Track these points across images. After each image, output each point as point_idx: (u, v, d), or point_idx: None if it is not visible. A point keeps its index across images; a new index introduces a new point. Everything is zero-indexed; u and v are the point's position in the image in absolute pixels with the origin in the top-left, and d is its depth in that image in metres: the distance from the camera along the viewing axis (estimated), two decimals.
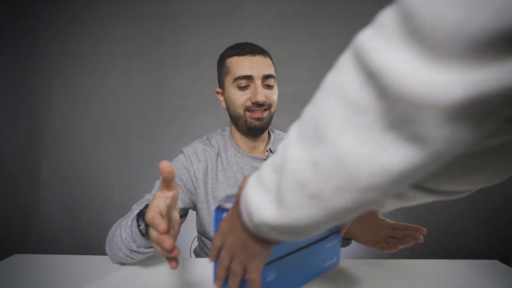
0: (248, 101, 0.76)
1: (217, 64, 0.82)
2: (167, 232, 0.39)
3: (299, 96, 1.66)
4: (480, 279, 0.61)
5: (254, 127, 0.77)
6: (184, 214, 0.82)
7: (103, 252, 0.69)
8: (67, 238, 1.71)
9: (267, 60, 0.78)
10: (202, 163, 0.81)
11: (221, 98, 0.84)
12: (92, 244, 1.70)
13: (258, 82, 0.75)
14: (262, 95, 0.74)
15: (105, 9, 1.71)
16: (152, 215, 0.40)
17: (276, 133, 0.90)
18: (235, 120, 0.80)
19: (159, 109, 1.72)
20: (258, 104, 0.75)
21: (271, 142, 0.86)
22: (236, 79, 0.75)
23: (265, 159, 0.83)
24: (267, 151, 0.85)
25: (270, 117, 0.79)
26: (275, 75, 0.79)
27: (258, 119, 0.77)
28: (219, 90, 0.84)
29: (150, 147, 1.71)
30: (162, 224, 0.38)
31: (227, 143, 0.85)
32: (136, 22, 1.71)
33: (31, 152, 1.73)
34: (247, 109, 0.76)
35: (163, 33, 1.71)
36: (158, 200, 0.44)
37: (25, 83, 1.73)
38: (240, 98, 0.76)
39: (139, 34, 1.71)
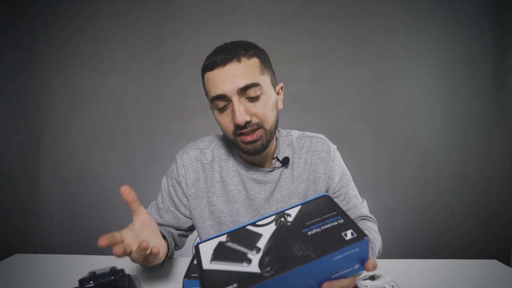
0: (231, 123, 0.63)
1: None
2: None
3: (299, 96, 1.67)
4: (479, 279, 0.61)
5: (249, 151, 0.65)
6: (192, 227, 0.79)
7: (103, 252, 0.69)
8: (67, 238, 1.71)
9: (243, 65, 0.61)
10: (193, 176, 0.73)
11: None
12: (92, 244, 1.70)
13: (235, 98, 0.60)
14: (241, 115, 0.60)
15: (105, 9, 1.71)
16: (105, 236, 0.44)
17: (283, 137, 0.77)
18: (230, 142, 0.69)
19: (159, 109, 1.72)
20: (240, 127, 0.61)
21: (278, 149, 0.75)
22: (211, 100, 0.64)
23: (270, 171, 0.73)
24: (273, 158, 0.74)
25: (267, 134, 0.65)
26: (258, 80, 0.62)
27: (250, 142, 0.64)
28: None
29: (150, 147, 1.71)
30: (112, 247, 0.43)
31: (230, 150, 0.75)
32: (136, 22, 1.71)
33: (31, 152, 1.73)
34: (235, 133, 0.64)
35: (163, 33, 1.71)
36: (123, 230, 0.48)
37: (25, 83, 1.73)
38: (224, 123, 0.65)
39: (139, 34, 1.71)
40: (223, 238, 0.40)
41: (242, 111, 0.60)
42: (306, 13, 1.67)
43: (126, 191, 0.48)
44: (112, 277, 0.43)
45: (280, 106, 0.70)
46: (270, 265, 0.35)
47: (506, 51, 1.62)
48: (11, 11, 1.71)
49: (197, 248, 0.40)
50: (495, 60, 1.63)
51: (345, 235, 0.37)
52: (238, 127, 0.62)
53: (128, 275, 0.47)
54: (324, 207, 0.42)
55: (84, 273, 0.43)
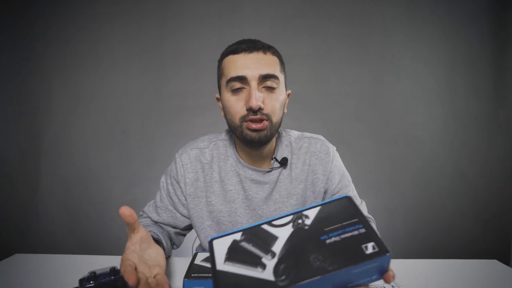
0: (244, 108, 0.64)
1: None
2: (137, 284, 0.43)
3: (299, 96, 1.67)
4: (479, 279, 0.61)
5: (252, 140, 0.65)
6: (189, 227, 0.79)
7: (103, 252, 0.69)
8: (67, 238, 1.71)
9: (267, 57, 0.65)
10: (192, 175, 0.73)
11: (220, 105, 0.72)
12: (92, 244, 1.70)
13: (254, 83, 0.63)
14: (257, 99, 0.62)
15: (105, 9, 1.71)
16: (123, 270, 0.44)
17: (282, 138, 0.77)
18: (232, 130, 0.69)
19: (159, 109, 1.72)
20: (253, 111, 0.62)
21: (277, 149, 0.75)
22: (228, 81, 0.64)
23: (268, 171, 0.73)
24: (272, 159, 0.74)
25: (272, 128, 0.66)
26: (277, 74, 0.65)
27: (255, 130, 0.64)
28: (218, 95, 0.73)
29: (150, 147, 1.71)
30: (131, 279, 0.41)
31: (228, 150, 0.75)
32: (136, 22, 1.71)
33: (31, 152, 1.73)
34: (243, 119, 0.64)
35: (163, 33, 1.71)
36: (129, 254, 0.47)
37: (25, 83, 1.73)
38: (234, 105, 0.65)
39: (139, 34, 1.71)
40: (238, 236, 0.39)
41: (258, 97, 0.62)
42: (306, 13, 1.68)
43: (127, 213, 0.45)
44: (112, 277, 0.43)
45: (285, 110, 0.72)
46: (285, 273, 0.34)
47: (505, 51, 1.62)
48: (11, 11, 1.71)
49: (210, 244, 0.39)
50: (495, 60, 1.63)
51: (366, 247, 0.35)
52: (251, 111, 0.63)
53: None
54: (345, 211, 0.39)
55: (84, 273, 0.43)
